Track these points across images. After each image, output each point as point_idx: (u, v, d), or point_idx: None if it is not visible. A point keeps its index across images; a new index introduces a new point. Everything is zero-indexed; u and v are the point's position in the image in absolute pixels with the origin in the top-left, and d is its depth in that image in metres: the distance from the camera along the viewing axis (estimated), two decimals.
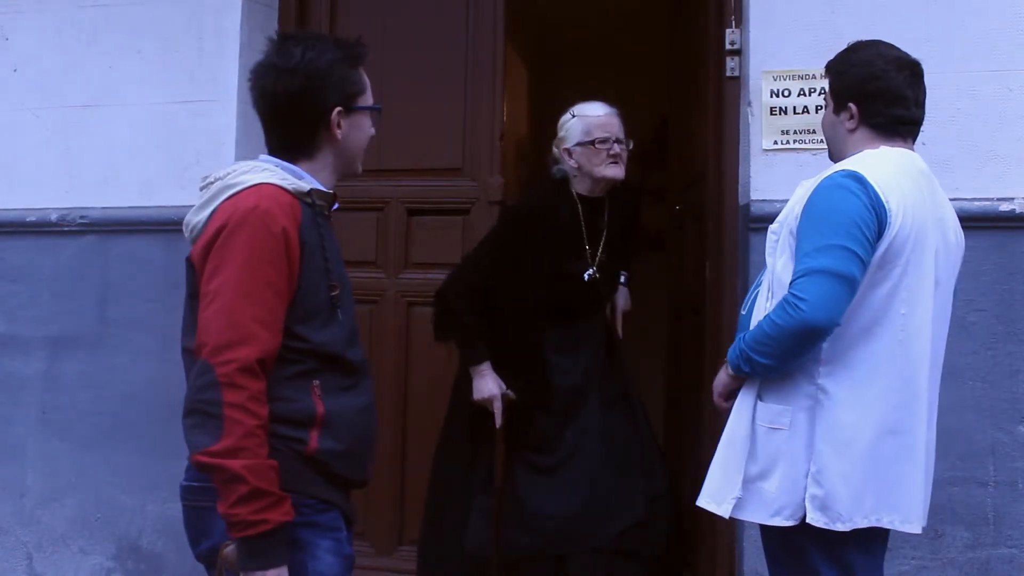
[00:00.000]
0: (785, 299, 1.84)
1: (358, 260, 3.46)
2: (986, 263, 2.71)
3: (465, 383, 2.98)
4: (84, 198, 3.42)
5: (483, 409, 2.84)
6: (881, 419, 1.88)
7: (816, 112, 2.81)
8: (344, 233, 3.46)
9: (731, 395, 2.05)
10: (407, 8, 3.49)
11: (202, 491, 1.64)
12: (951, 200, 2.64)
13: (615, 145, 2.83)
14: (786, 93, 2.85)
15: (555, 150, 2.93)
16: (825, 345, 1.88)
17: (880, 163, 1.92)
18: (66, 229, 3.42)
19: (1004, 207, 2.71)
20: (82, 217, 3.41)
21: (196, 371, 1.57)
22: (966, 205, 2.70)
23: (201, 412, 1.55)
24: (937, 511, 2.63)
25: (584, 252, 2.88)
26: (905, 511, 1.91)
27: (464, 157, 3.38)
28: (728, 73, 3.00)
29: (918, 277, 1.89)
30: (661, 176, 4.25)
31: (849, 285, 1.81)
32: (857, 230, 1.81)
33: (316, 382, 1.68)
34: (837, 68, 2.07)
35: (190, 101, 3.37)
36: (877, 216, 1.83)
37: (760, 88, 2.88)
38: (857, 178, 1.86)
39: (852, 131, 2.02)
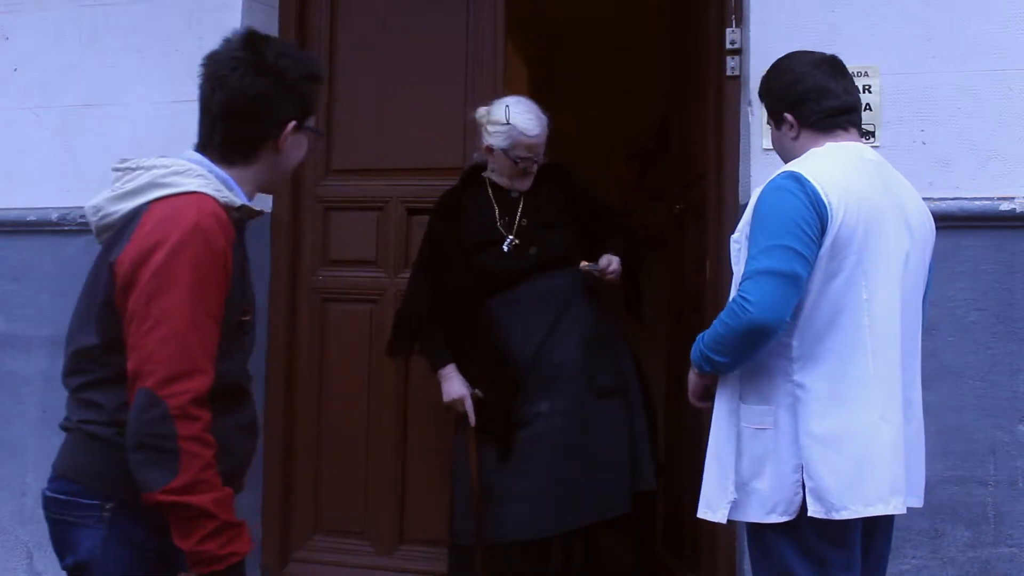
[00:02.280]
0: (734, 300, 1.90)
1: (358, 260, 3.47)
2: (986, 262, 2.71)
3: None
4: (84, 197, 3.31)
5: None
6: (860, 405, 1.91)
7: None
8: (344, 233, 3.52)
9: (705, 393, 2.11)
10: (407, 7, 3.49)
11: (66, 504, 1.59)
12: (951, 199, 2.66)
13: (533, 164, 2.92)
14: None
15: (480, 137, 2.98)
16: (795, 343, 1.92)
17: (821, 160, 1.98)
18: (66, 228, 3.41)
19: (1004, 206, 2.70)
20: (82, 217, 3.38)
21: (141, 403, 1.48)
22: (966, 204, 2.70)
23: (153, 447, 1.47)
24: (937, 510, 2.64)
25: (499, 223, 2.95)
26: (899, 495, 1.93)
27: (464, 157, 3.37)
28: (728, 72, 3.00)
29: (876, 262, 1.93)
30: (661, 175, 4.26)
31: (792, 281, 1.85)
32: (797, 228, 1.86)
33: None
34: (765, 88, 2.16)
35: (191, 100, 3.27)
36: (817, 211, 1.88)
37: None
38: (794, 177, 1.92)
39: (796, 138, 2.07)
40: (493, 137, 2.91)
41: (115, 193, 1.66)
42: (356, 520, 3.41)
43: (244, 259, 1.68)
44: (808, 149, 2.03)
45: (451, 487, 3.02)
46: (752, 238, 1.94)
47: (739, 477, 1.97)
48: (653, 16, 4.60)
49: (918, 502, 2.04)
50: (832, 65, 2.09)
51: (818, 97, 2.04)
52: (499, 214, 2.96)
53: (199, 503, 1.46)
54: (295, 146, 1.76)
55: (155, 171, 1.62)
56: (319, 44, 3.54)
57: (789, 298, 1.86)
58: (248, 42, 1.72)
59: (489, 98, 3.34)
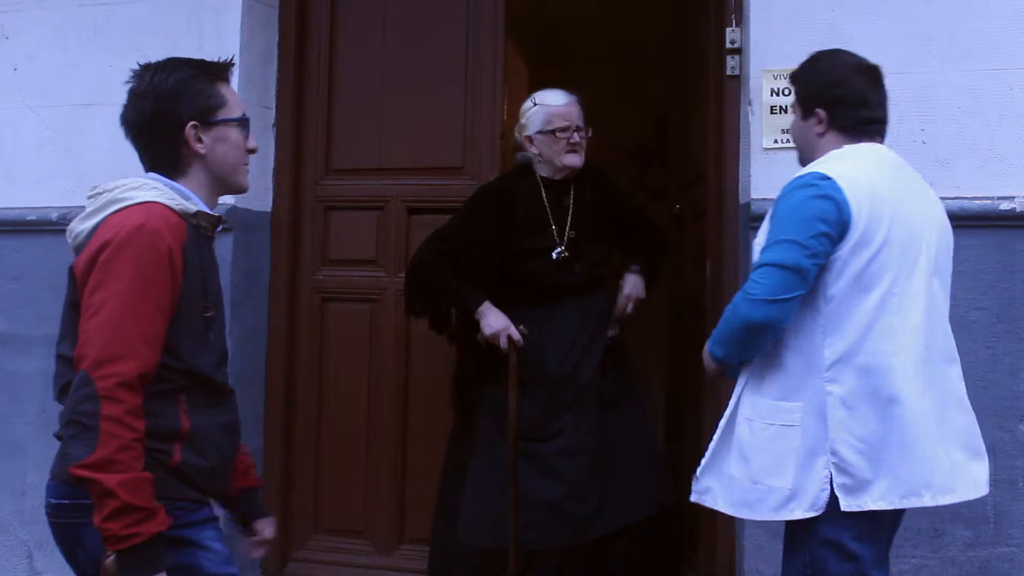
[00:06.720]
0: (738, 294, 1.95)
1: (358, 259, 3.47)
2: (986, 262, 2.71)
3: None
4: (84, 197, 3.40)
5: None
6: (888, 400, 1.90)
7: None
8: (344, 233, 3.52)
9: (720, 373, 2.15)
10: (407, 6, 3.49)
11: (74, 508, 1.66)
12: (951, 199, 2.66)
13: (575, 134, 2.91)
14: (786, 92, 2.84)
15: (517, 136, 3.01)
16: (827, 352, 1.93)
17: (847, 160, 2.00)
18: (66, 228, 3.40)
19: (1004, 206, 2.71)
20: None
21: (76, 383, 1.59)
22: (966, 204, 2.70)
23: (78, 423, 1.56)
24: (937, 510, 2.62)
25: (550, 231, 2.92)
26: (934, 487, 1.93)
27: (464, 156, 3.38)
28: (728, 72, 3.00)
29: (909, 267, 1.95)
30: (661, 175, 4.26)
31: (796, 274, 1.89)
32: (809, 225, 1.89)
33: (183, 398, 1.70)
34: (803, 77, 2.16)
35: None
36: (838, 208, 1.90)
37: (760, 87, 2.87)
38: (819, 176, 1.95)
39: (821, 135, 2.09)
40: (530, 126, 2.96)
41: (83, 215, 1.81)
42: (356, 520, 3.41)
43: (207, 261, 1.78)
44: (829, 150, 2.05)
45: (452, 487, 3.01)
46: (767, 233, 1.97)
47: (754, 472, 1.97)
48: (654, 16, 4.60)
49: (976, 492, 2.01)
50: (873, 77, 2.11)
51: (856, 105, 2.06)
52: (552, 219, 2.93)
53: (105, 482, 1.53)
54: (218, 141, 1.83)
55: (115, 191, 1.76)
56: (319, 44, 3.54)
57: (790, 289, 1.89)
58: (134, 74, 1.88)
59: (489, 98, 3.36)
